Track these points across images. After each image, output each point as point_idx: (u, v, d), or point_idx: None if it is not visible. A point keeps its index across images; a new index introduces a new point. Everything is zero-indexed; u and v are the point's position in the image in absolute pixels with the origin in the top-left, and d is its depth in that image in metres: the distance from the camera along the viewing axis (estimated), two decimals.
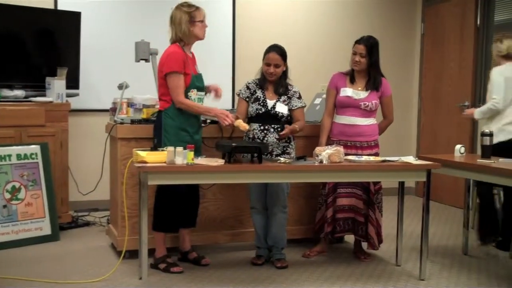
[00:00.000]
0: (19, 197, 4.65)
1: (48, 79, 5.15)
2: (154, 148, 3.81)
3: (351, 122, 4.27)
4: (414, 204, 6.28)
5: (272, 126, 4.12)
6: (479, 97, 6.14)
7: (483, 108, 4.72)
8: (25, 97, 5.08)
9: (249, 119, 4.20)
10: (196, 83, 3.99)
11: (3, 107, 4.82)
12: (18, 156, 4.69)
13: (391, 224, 4.84)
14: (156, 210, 4.02)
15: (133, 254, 4.06)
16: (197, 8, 3.97)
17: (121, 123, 4.30)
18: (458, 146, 4.45)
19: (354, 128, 4.27)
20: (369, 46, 4.24)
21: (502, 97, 4.56)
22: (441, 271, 4.16)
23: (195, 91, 3.98)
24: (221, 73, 6.16)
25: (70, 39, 5.48)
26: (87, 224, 5.31)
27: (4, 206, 4.57)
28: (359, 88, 4.30)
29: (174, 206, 3.99)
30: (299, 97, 4.23)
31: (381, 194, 4.38)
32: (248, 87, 4.24)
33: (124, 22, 5.98)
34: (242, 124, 3.94)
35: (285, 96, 4.19)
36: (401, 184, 4.22)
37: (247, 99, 4.22)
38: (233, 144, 3.80)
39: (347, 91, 4.29)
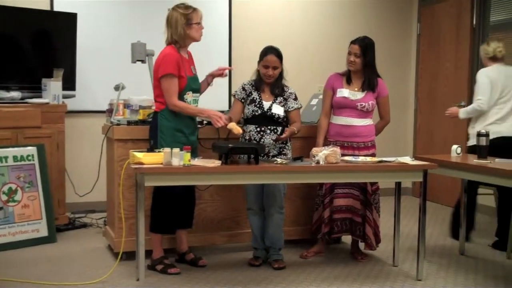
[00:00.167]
0: (15, 199, 4.64)
1: (44, 80, 5.14)
2: (151, 149, 3.80)
3: (348, 122, 4.28)
4: (411, 205, 6.29)
5: (269, 127, 4.12)
6: None
7: (468, 108, 4.80)
8: (21, 99, 5.07)
9: (245, 121, 4.20)
10: (191, 85, 3.98)
11: None
12: (15, 158, 4.69)
13: (388, 225, 4.84)
14: (153, 211, 4.02)
15: (130, 256, 4.04)
16: (194, 9, 3.95)
17: (118, 124, 4.30)
18: (454, 147, 4.47)
19: (350, 129, 4.27)
20: (364, 46, 4.24)
21: (487, 98, 4.64)
22: (438, 271, 4.17)
23: (190, 93, 3.98)
24: None
25: (66, 40, 5.47)
26: (84, 225, 5.31)
27: (1, 208, 4.56)
28: (356, 89, 4.31)
29: (171, 207, 3.99)
30: (295, 99, 4.23)
31: (378, 195, 4.38)
32: (243, 88, 4.24)
33: (120, 23, 5.97)
34: (235, 127, 3.92)
35: (281, 98, 4.19)
36: (398, 184, 4.23)
37: (242, 100, 4.22)
38: (230, 145, 3.80)
39: (344, 92, 4.29)
